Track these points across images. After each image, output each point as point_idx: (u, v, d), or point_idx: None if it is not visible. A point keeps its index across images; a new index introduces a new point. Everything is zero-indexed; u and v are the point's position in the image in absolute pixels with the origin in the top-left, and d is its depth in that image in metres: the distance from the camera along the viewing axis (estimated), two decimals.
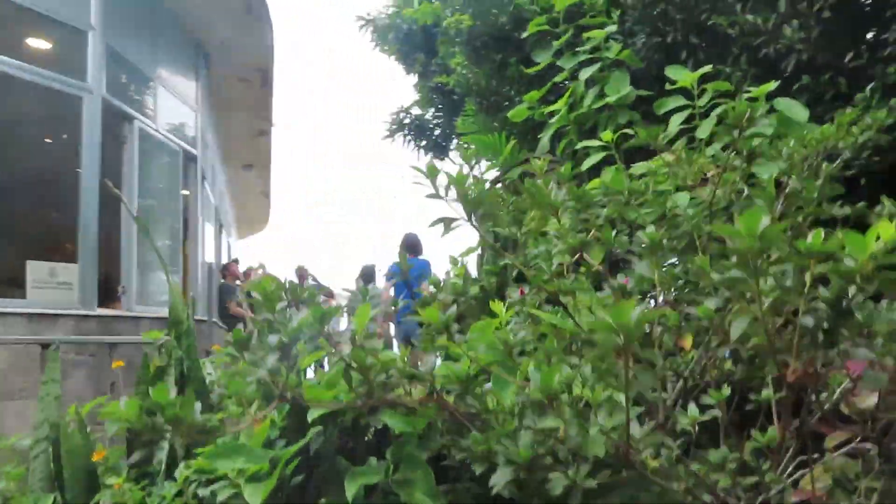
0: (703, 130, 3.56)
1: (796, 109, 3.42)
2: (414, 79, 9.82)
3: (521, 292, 2.04)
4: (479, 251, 4.12)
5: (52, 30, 5.86)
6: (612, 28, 4.13)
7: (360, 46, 10.31)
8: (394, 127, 10.76)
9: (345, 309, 8.45)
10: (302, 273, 11.30)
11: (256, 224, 16.76)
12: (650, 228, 1.99)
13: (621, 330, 1.16)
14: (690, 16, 4.18)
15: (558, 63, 4.40)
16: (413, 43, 9.34)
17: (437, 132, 10.67)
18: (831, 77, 3.77)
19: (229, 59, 8.34)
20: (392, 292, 7.99)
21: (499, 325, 1.82)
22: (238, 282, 9.95)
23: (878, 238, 1.21)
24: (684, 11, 4.20)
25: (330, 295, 12.18)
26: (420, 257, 8.01)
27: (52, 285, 5.45)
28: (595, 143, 3.93)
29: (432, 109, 9.92)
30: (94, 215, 5.71)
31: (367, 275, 9.02)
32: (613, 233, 1.86)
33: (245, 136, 10.72)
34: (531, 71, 4.62)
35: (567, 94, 4.23)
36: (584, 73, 4.12)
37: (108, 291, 6.39)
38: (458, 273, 4.55)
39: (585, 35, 4.26)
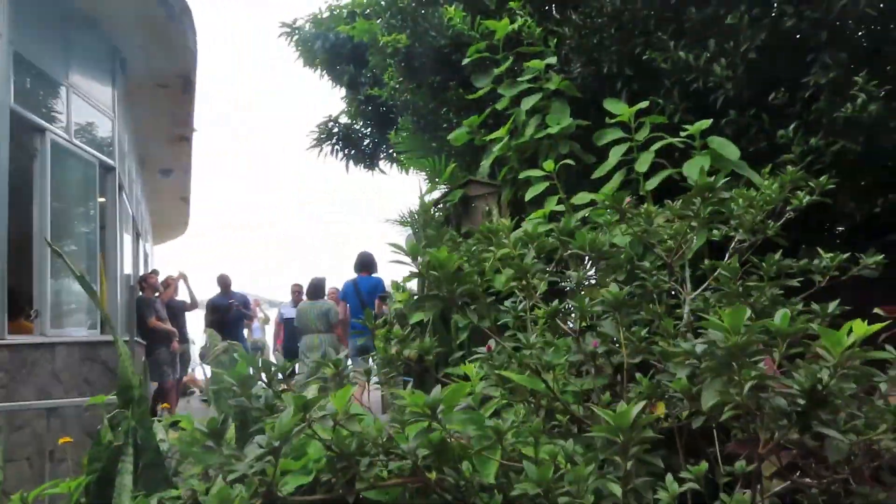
0: (642, 164, 3.69)
1: (728, 148, 3.58)
2: (340, 89, 9.75)
3: (489, 348, 2.05)
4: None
5: None
6: (552, 60, 4.19)
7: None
8: (322, 136, 10.61)
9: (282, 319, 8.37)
10: (225, 282, 10.99)
11: (175, 229, 16.11)
12: (613, 287, 2.04)
13: (621, 431, 1.19)
14: (625, 48, 4.31)
15: (499, 90, 4.45)
16: (340, 54, 9.22)
17: (365, 142, 10.58)
18: (756, 113, 3.97)
19: (148, 65, 7.96)
20: (347, 310, 8.24)
21: (471, 390, 1.82)
22: (157, 294, 9.56)
23: (850, 332, 1.29)
24: (620, 44, 4.32)
25: (250, 317, 11.88)
26: (374, 275, 8.05)
27: None
28: (538, 172, 4.00)
29: (362, 120, 9.80)
30: (3, 236, 5.34)
31: (316, 288, 8.93)
32: (586, 300, 1.89)
33: (164, 142, 10.28)
34: (472, 97, 4.64)
35: (509, 122, 4.27)
36: (526, 103, 4.18)
37: (16, 309, 6.00)
38: (400, 299, 4.53)
39: (526, 64, 4.32)
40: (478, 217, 4.91)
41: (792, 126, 3.74)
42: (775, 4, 3.93)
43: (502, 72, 4.51)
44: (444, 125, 5.20)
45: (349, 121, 10.50)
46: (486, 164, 4.52)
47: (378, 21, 5.59)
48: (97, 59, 7.29)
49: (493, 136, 4.36)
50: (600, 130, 4.03)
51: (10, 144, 5.48)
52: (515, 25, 4.44)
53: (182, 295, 10.23)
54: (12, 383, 4.99)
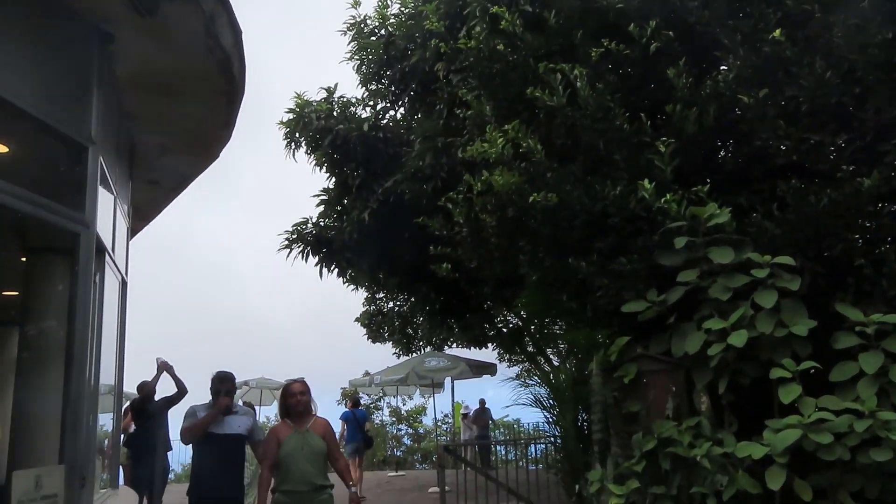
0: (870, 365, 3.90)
1: None
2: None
3: None
4: None
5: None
6: (789, 260, 4.32)
7: None
8: (293, 237, 9.97)
9: None
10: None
11: None
12: None
13: None
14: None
15: (719, 280, 4.47)
16: (349, 153, 8.83)
17: (334, 245, 9.97)
18: None
19: (157, 164, 6.95)
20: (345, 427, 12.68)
21: None
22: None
23: None
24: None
25: None
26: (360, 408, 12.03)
27: None
28: (784, 372, 4.06)
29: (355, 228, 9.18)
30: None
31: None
32: None
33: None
34: (683, 281, 4.61)
35: (736, 313, 4.29)
36: (764, 300, 4.24)
37: None
38: None
39: (747, 255, 4.42)
40: (652, 395, 4.83)
41: None
42: None
43: (698, 257, 4.58)
44: (599, 293, 5.10)
45: (323, 223, 9.94)
46: (692, 346, 4.46)
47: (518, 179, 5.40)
48: (125, 156, 6.24)
49: (713, 324, 4.35)
50: (836, 333, 4.22)
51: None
52: (721, 214, 4.54)
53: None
54: None
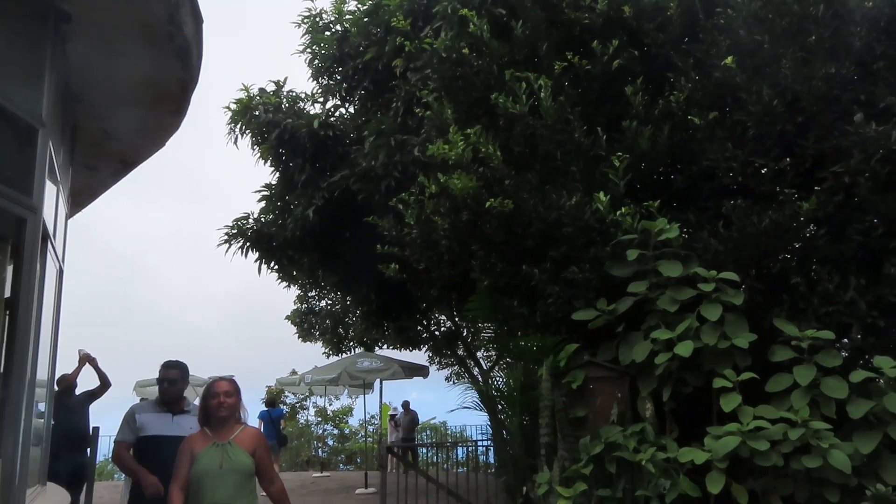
0: (834, 390, 4.20)
1: None
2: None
3: None
4: None
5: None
6: (733, 276, 4.57)
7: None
8: (234, 231, 9.76)
9: None
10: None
11: None
12: None
13: None
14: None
15: (668, 292, 4.68)
16: (296, 148, 8.70)
17: (276, 241, 9.81)
18: None
19: (98, 150, 6.68)
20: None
21: None
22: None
23: None
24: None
25: None
26: (278, 407, 12.99)
27: None
28: (726, 382, 4.29)
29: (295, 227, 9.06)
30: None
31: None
32: None
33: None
34: (630, 293, 4.79)
35: (682, 325, 4.51)
36: (710, 313, 4.47)
37: None
38: None
39: (694, 270, 4.64)
40: (599, 400, 4.99)
41: None
42: None
43: (650, 268, 4.79)
44: (550, 300, 5.24)
45: (265, 218, 9.76)
46: (639, 355, 4.66)
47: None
48: (68, 140, 5.98)
49: (660, 334, 4.56)
50: (773, 346, 4.49)
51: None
52: (671, 229, 4.76)
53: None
54: None
